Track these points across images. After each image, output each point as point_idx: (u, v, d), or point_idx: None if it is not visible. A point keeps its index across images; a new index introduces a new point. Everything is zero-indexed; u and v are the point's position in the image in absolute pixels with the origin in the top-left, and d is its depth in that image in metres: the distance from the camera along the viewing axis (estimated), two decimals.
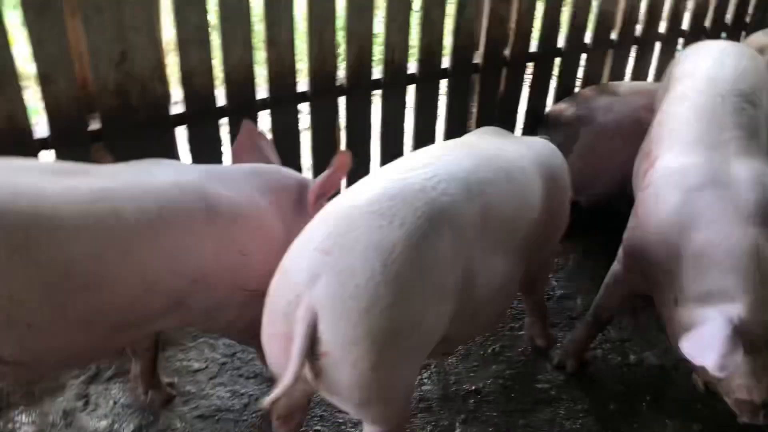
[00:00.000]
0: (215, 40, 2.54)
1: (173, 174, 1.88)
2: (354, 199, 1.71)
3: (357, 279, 1.54)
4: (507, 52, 3.30)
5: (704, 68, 2.62)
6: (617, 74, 3.76)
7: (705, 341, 1.80)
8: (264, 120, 2.80)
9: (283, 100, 2.77)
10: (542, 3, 3.29)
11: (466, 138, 2.28)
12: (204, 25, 2.48)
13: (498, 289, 1.94)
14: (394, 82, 3.02)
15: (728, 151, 2.22)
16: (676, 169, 2.23)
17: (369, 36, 2.84)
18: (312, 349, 1.57)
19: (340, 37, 2.86)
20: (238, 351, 2.60)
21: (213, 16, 2.53)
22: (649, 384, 2.57)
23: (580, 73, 3.67)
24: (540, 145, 2.32)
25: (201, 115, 2.62)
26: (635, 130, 2.82)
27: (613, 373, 2.62)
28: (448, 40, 3.14)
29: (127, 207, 1.70)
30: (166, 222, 1.76)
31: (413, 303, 1.60)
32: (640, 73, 3.89)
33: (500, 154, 2.03)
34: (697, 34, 3.93)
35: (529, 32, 3.33)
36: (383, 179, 1.76)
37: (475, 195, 1.80)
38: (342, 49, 2.92)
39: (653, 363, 2.66)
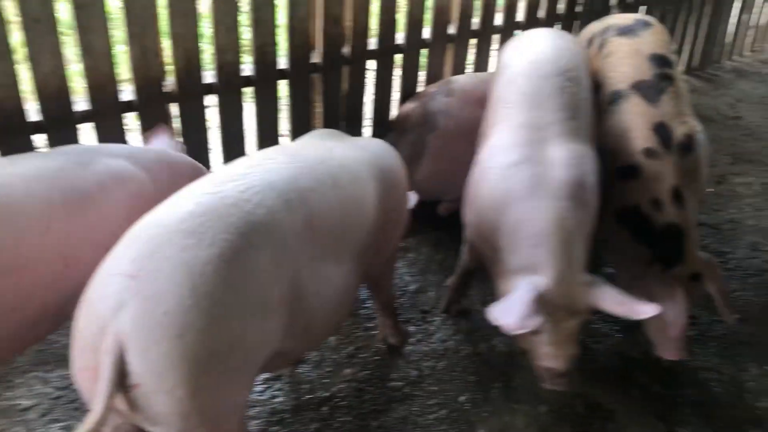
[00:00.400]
0: (23, 50, 2.34)
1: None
2: (163, 217, 1.60)
3: (165, 305, 1.44)
4: (346, 50, 3.28)
5: (527, 53, 2.74)
6: (459, 68, 3.83)
7: (508, 306, 2.02)
8: (86, 134, 2.63)
9: (107, 111, 2.60)
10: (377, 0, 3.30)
11: (295, 143, 2.23)
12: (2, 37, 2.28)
13: (332, 297, 1.89)
14: (228, 86, 2.92)
15: (549, 132, 2.38)
16: (498, 149, 2.39)
17: (194, 39, 2.73)
18: (123, 381, 1.46)
19: (166, 41, 2.72)
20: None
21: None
22: (498, 372, 2.63)
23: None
24: (374, 146, 2.31)
25: (9, 130, 2.40)
26: (475, 127, 2.87)
27: (464, 364, 2.65)
28: (283, 41, 3.08)
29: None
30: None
31: (229, 323, 1.52)
32: (480, 65, 3.98)
33: (326, 159, 1.98)
34: (532, 25, 4.08)
35: (366, 30, 3.32)
36: (195, 194, 1.66)
37: (296, 205, 1.74)
38: (168, 54, 2.78)
39: (502, 350, 2.72)
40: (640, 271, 2.46)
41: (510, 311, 1.98)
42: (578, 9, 4.38)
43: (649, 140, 2.56)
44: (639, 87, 2.74)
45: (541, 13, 4.16)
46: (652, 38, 3.01)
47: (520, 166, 2.28)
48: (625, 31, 3.03)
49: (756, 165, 4.31)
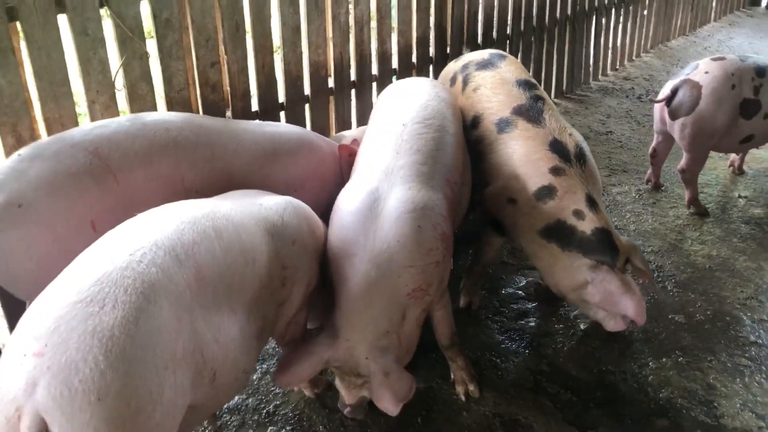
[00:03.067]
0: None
1: None
2: (59, 292, 1.60)
3: (80, 373, 1.44)
4: (228, 113, 3.33)
5: (393, 102, 2.90)
6: (343, 118, 3.96)
7: (291, 360, 2.31)
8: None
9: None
10: (254, 63, 3.38)
11: (185, 202, 2.25)
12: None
13: (231, 346, 1.90)
14: None
15: (395, 178, 2.44)
16: (345, 195, 2.47)
17: None
18: None
19: None
20: None
21: None
22: (418, 403, 2.68)
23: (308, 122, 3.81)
24: (272, 202, 2.34)
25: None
26: None
27: None
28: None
29: None
30: None
31: (147, 379, 1.53)
32: (363, 115, 4.12)
33: (210, 213, 2.01)
34: (406, 69, 4.28)
35: (247, 92, 3.39)
36: (86, 265, 1.67)
37: (184, 259, 1.78)
38: None
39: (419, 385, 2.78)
40: (582, 279, 2.65)
41: (291, 367, 2.27)
42: (448, 51, 4.63)
43: (551, 159, 2.76)
44: (520, 111, 2.94)
45: (414, 58, 4.37)
46: (511, 67, 3.25)
47: (355, 215, 2.34)
48: (485, 65, 3.25)
49: (630, 174, 4.64)
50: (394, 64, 4.25)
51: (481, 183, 3.01)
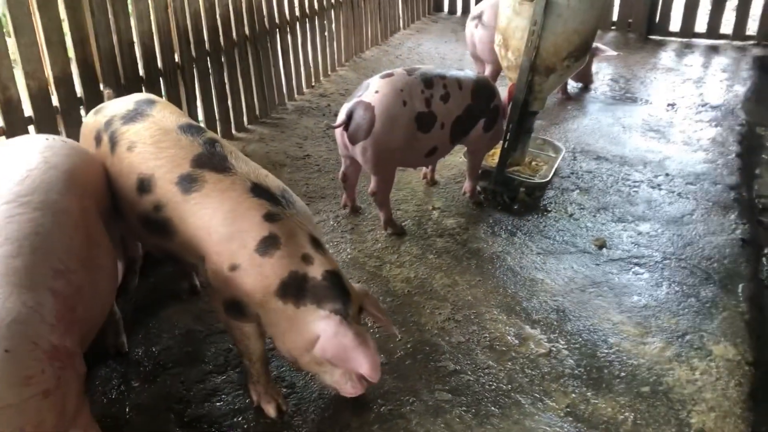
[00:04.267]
0: None
1: None
2: None
3: None
4: None
5: None
6: None
7: None
8: None
9: None
10: None
11: None
12: None
13: None
14: None
15: None
16: None
17: None
18: None
19: None
20: None
21: None
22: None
23: None
24: None
25: None
26: None
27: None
28: None
29: None
30: None
31: None
32: None
33: None
34: (47, 116, 3.58)
35: None
36: None
37: None
38: None
39: None
40: (313, 334, 2.33)
41: None
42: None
43: (260, 206, 2.42)
44: (202, 162, 2.51)
45: (55, 101, 3.68)
46: (166, 112, 2.77)
47: None
48: (133, 117, 2.73)
49: (328, 200, 4.41)
50: (28, 111, 3.52)
51: (188, 262, 2.59)
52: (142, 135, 2.63)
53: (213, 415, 2.70)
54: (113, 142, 2.68)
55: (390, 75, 3.75)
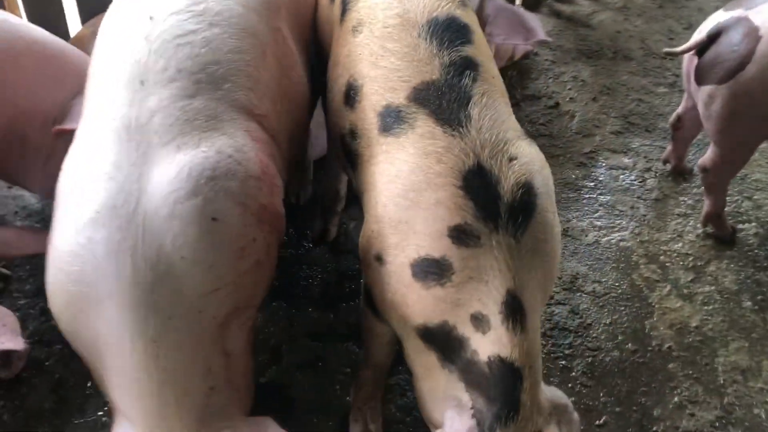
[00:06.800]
0: None
1: None
2: None
3: None
4: None
5: None
6: None
7: None
8: None
9: None
10: None
11: None
12: None
13: None
14: None
15: (147, 134, 1.39)
16: (65, 183, 1.43)
17: None
18: None
19: None
20: None
21: None
22: None
23: None
24: None
25: None
26: None
27: None
28: None
29: None
30: None
31: None
32: None
33: None
34: None
35: None
36: None
37: None
38: None
39: None
40: (439, 414, 1.48)
41: None
42: None
43: (459, 208, 1.41)
44: (425, 97, 1.52)
45: None
46: None
47: (89, 226, 1.37)
48: None
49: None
50: None
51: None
52: (375, 16, 1.67)
53: None
54: (344, 8, 1.77)
55: None
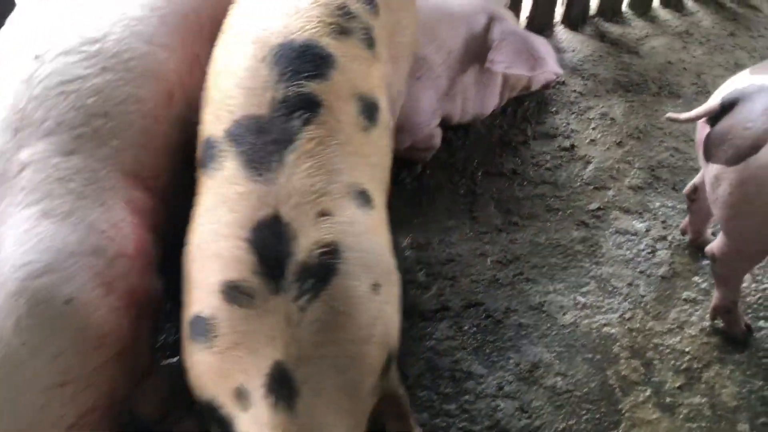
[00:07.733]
0: None
1: None
2: None
3: None
4: None
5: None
6: None
7: None
8: None
9: None
10: None
11: None
12: None
13: None
14: None
15: (14, 189, 1.29)
16: None
17: None
18: None
19: None
20: None
21: None
22: None
23: None
24: None
25: None
26: None
27: None
28: None
29: None
30: None
31: None
32: None
33: None
34: None
35: None
36: None
37: None
38: None
39: None
40: None
41: None
42: None
43: (238, 263, 1.27)
44: (241, 134, 1.36)
45: None
46: None
47: None
48: None
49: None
50: None
51: None
52: (238, 22, 1.53)
53: None
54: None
55: None
